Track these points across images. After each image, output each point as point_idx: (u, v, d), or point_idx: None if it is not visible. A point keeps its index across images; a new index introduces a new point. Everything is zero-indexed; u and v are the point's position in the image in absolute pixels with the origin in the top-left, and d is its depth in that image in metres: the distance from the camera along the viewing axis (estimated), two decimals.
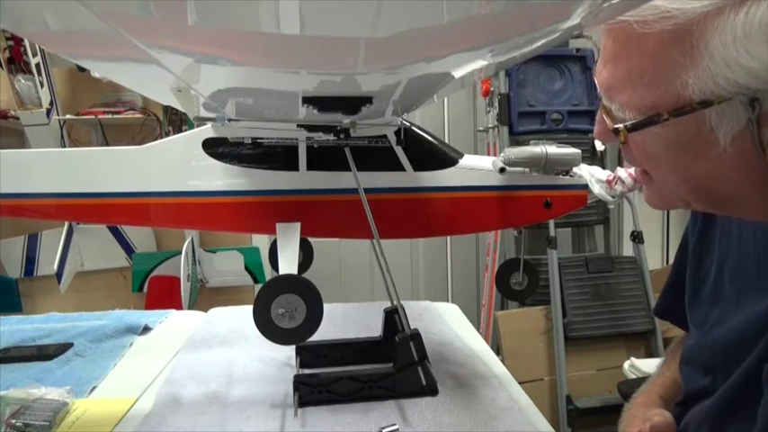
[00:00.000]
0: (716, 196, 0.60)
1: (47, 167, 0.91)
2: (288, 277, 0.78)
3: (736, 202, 0.60)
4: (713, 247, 0.76)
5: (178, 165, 0.92)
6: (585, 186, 0.98)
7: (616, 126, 0.58)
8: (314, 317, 0.77)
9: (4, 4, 0.37)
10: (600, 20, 0.51)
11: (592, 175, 0.97)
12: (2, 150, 0.91)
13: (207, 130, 0.91)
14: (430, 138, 0.97)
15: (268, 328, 0.76)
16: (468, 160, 0.97)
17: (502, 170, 0.95)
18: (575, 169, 0.98)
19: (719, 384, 0.70)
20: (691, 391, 0.77)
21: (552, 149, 0.94)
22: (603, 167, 1.01)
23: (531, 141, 0.96)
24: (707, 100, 0.51)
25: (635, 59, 0.54)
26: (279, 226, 0.90)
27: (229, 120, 0.88)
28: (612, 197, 0.95)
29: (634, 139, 0.59)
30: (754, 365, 0.63)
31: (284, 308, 0.76)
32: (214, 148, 0.91)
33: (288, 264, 0.83)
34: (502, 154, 0.96)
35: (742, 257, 0.70)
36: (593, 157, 2.30)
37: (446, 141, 1.02)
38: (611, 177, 0.95)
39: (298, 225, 0.90)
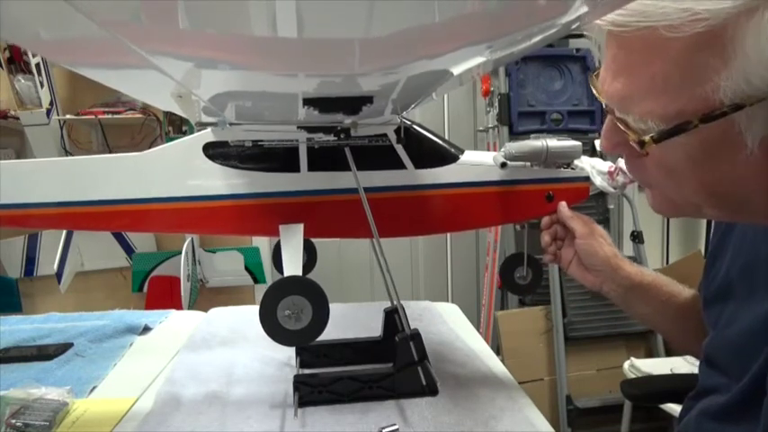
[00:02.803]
0: (733, 201, 0.58)
1: (46, 177, 0.91)
2: (294, 279, 0.78)
3: (753, 206, 0.58)
4: (728, 248, 0.76)
5: (179, 170, 0.92)
6: (587, 178, 0.98)
7: (642, 138, 0.56)
8: (320, 318, 0.77)
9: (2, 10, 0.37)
10: (599, 13, 0.50)
11: (593, 167, 0.97)
12: (1, 162, 0.91)
13: (207, 135, 0.91)
14: (430, 135, 0.97)
15: (274, 329, 0.76)
16: (468, 156, 0.97)
17: (503, 165, 0.95)
18: (576, 162, 0.98)
19: (732, 382, 0.70)
20: (703, 385, 0.78)
21: (553, 142, 0.94)
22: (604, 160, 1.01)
23: (532, 135, 0.96)
24: (738, 102, 0.50)
25: (657, 66, 0.53)
26: (282, 228, 0.90)
27: (231, 124, 0.88)
28: (614, 188, 0.95)
29: (653, 152, 0.57)
30: (763, 367, 0.63)
31: (290, 309, 0.76)
32: (215, 152, 0.91)
33: (292, 265, 0.83)
34: (502, 149, 0.96)
35: (753, 257, 0.70)
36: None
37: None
38: (612, 168, 0.94)
39: (301, 226, 0.90)
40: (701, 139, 0.54)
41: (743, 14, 0.48)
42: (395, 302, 0.95)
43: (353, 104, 0.76)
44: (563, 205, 0.95)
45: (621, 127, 0.58)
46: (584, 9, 0.45)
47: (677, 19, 0.49)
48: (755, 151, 0.52)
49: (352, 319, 1.30)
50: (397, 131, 0.92)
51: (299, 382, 0.90)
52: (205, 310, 1.49)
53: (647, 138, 0.56)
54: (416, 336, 0.91)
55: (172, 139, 2.13)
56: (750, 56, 0.48)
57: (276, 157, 0.91)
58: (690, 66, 0.51)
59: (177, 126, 2.54)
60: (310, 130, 0.89)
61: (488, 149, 2.66)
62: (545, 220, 0.97)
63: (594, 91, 0.61)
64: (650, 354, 2.45)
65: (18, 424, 0.84)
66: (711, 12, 0.48)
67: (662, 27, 0.50)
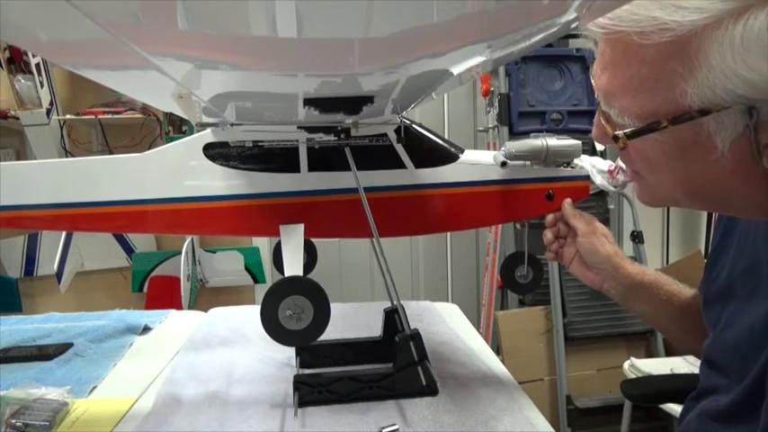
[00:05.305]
0: (711, 198, 0.61)
1: (45, 178, 0.91)
2: (295, 279, 0.79)
3: (731, 203, 0.61)
4: (730, 248, 0.76)
5: (179, 171, 0.91)
6: (587, 177, 0.98)
7: (616, 133, 0.59)
8: (321, 318, 0.77)
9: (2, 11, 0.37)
10: (595, 12, 0.51)
11: (593, 166, 0.97)
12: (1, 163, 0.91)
13: (207, 135, 0.91)
14: (430, 134, 0.97)
15: (276, 329, 0.76)
16: (469, 155, 0.97)
17: (503, 164, 0.95)
18: (576, 160, 0.98)
19: (732, 383, 0.70)
20: (704, 386, 0.78)
21: (553, 141, 0.94)
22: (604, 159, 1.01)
23: (531, 134, 0.96)
24: (705, 108, 0.52)
25: (635, 68, 0.55)
26: (282, 228, 0.90)
27: (231, 124, 0.88)
28: (614, 187, 0.95)
29: (633, 145, 0.60)
30: (763, 368, 0.63)
31: (292, 310, 0.76)
32: (215, 152, 0.91)
33: (293, 265, 0.83)
34: (503, 148, 0.96)
35: (756, 258, 0.70)
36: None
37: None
38: (612, 167, 0.94)
39: (301, 226, 0.90)
40: (675, 139, 0.56)
41: (708, 27, 0.49)
42: (395, 302, 0.95)
43: (354, 104, 0.76)
44: (567, 202, 0.96)
45: (603, 121, 0.61)
46: (581, 11, 0.45)
47: (648, 26, 0.51)
48: (726, 155, 0.54)
49: (352, 319, 1.30)
50: (398, 131, 0.92)
51: (299, 382, 0.90)
52: (205, 310, 1.49)
53: (620, 133, 0.59)
54: (416, 336, 0.91)
55: (172, 140, 2.13)
56: (714, 67, 0.49)
57: (276, 158, 0.91)
58: (662, 71, 0.53)
59: (177, 126, 2.54)
60: (311, 130, 0.89)
61: (488, 149, 2.66)
62: (549, 217, 0.97)
63: (593, 82, 0.63)
64: (650, 354, 2.45)
65: (18, 424, 0.84)
66: (678, 23, 0.50)
67: (634, 33, 0.52)
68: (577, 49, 2.43)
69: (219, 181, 0.91)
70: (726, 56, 0.48)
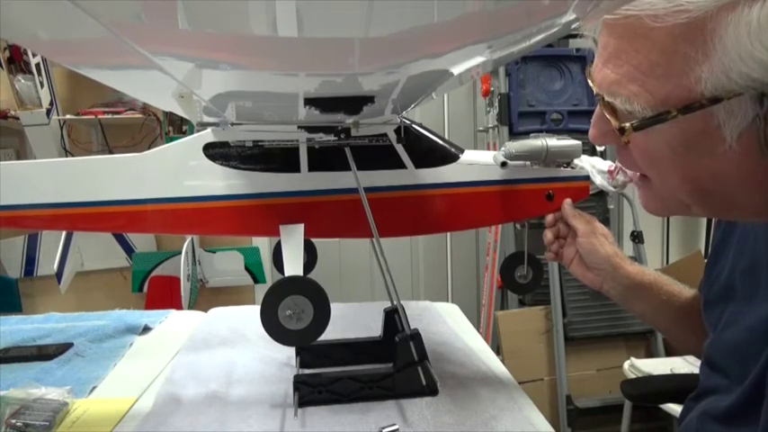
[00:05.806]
0: (716, 198, 0.59)
1: (45, 179, 0.91)
2: (295, 279, 0.79)
3: (736, 203, 0.59)
4: (730, 248, 0.75)
5: (179, 171, 0.91)
6: (587, 177, 0.98)
7: (622, 125, 0.57)
8: (321, 318, 0.77)
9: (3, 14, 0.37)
10: (599, 12, 0.51)
11: (593, 166, 0.97)
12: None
13: (207, 135, 0.91)
14: (430, 134, 0.97)
15: (275, 329, 0.76)
16: (469, 156, 0.97)
17: (503, 164, 0.95)
18: (576, 161, 0.98)
19: (732, 384, 0.70)
20: (704, 386, 0.78)
21: (552, 142, 0.94)
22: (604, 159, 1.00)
23: (531, 135, 0.96)
24: (718, 96, 0.50)
25: (644, 54, 0.54)
26: (282, 228, 0.90)
27: (231, 124, 0.88)
28: (614, 187, 0.95)
29: (636, 140, 0.58)
30: (763, 369, 0.63)
31: (291, 309, 0.76)
32: (215, 152, 0.91)
33: (293, 265, 0.83)
34: (502, 148, 0.96)
35: (756, 258, 0.70)
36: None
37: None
38: (612, 167, 0.94)
39: (301, 226, 0.90)
40: (681, 130, 0.54)
41: (724, 9, 0.48)
42: (395, 302, 0.95)
43: (354, 104, 0.76)
44: (567, 203, 0.96)
45: (607, 114, 0.59)
46: (586, 10, 0.45)
47: (662, 9, 0.50)
48: (734, 146, 0.52)
49: (352, 319, 1.30)
50: (398, 131, 0.92)
51: (299, 382, 0.91)
52: (205, 310, 1.49)
53: (627, 125, 0.57)
54: (416, 336, 0.91)
55: (172, 140, 2.13)
56: (729, 50, 0.48)
57: (276, 158, 0.91)
58: (674, 56, 0.52)
59: (177, 126, 2.54)
60: (311, 130, 0.89)
61: (488, 149, 2.65)
62: (549, 217, 0.98)
63: (590, 81, 0.62)
64: (650, 354, 2.45)
65: (18, 424, 0.84)
66: (693, 4, 0.49)
67: (646, 16, 0.51)
68: (577, 49, 2.43)
69: (219, 181, 0.91)
70: (742, 37, 0.47)
